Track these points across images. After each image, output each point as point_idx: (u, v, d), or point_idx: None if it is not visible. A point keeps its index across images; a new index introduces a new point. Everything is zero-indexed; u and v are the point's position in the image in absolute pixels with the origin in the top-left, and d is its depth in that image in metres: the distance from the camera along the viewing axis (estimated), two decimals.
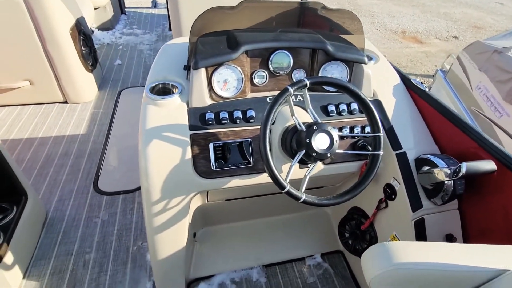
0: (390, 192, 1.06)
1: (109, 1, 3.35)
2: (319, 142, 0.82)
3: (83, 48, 2.17)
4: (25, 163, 1.76)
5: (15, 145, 1.89)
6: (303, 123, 0.86)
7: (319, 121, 0.84)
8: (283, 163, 1.01)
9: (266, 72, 1.11)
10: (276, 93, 1.16)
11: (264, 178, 1.02)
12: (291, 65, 1.12)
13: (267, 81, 1.12)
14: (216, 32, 1.11)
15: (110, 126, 2.13)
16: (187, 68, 1.07)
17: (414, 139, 1.07)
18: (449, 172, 0.86)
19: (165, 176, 0.92)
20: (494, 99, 2.73)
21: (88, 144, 1.96)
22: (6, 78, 2.05)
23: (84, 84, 2.26)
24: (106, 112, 2.26)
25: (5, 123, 2.07)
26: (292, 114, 0.86)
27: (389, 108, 1.13)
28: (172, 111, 0.99)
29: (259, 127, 1.01)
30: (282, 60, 1.10)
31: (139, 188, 1.71)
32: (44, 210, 1.49)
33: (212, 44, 1.05)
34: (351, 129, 1.08)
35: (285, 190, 0.78)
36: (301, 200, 0.79)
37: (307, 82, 0.81)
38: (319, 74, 1.13)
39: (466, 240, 1.02)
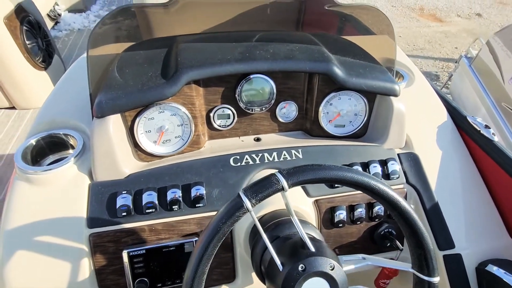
0: None
1: None
2: None
3: (27, 42, 1.73)
4: None
5: None
6: (283, 240, 0.46)
7: (311, 247, 0.44)
8: (249, 268, 0.62)
9: (232, 109, 0.69)
10: (251, 139, 0.74)
11: None
12: (274, 97, 0.69)
13: (234, 122, 0.71)
14: (145, 42, 0.68)
15: None
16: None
17: (475, 230, 0.66)
18: None
19: None
20: None
21: None
22: None
23: (35, 86, 1.85)
24: None
25: None
26: (259, 231, 0.46)
27: (432, 169, 0.70)
28: (61, 193, 0.59)
29: (211, 214, 0.61)
30: (258, 88, 0.68)
31: None
32: None
33: (136, 69, 0.63)
34: (369, 208, 0.67)
35: None
36: None
37: (284, 185, 0.40)
38: (321, 111, 0.71)
39: None
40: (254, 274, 0.64)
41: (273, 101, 0.71)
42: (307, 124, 0.76)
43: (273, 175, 0.43)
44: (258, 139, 0.75)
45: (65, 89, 0.74)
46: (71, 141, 0.66)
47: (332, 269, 0.45)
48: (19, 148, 0.63)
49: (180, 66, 0.61)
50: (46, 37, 1.96)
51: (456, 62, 3.65)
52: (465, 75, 3.27)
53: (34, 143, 0.65)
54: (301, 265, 0.44)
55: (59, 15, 2.76)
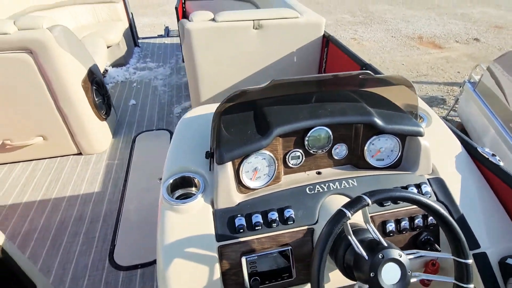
0: None
1: (122, 37, 3.29)
2: (388, 275, 0.63)
3: (96, 98, 2.08)
4: (37, 233, 1.65)
5: (28, 210, 1.78)
6: (361, 241, 0.68)
7: (384, 243, 0.66)
8: (329, 269, 0.83)
9: (301, 151, 0.94)
10: (313, 172, 0.98)
11: None
12: (331, 141, 0.94)
13: (302, 161, 0.95)
14: (240, 106, 0.95)
15: (125, 180, 2.01)
16: (209, 156, 0.92)
17: (494, 233, 0.87)
18: None
19: None
20: None
21: (103, 205, 1.84)
22: (19, 135, 1.98)
23: (98, 134, 2.16)
24: (121, 163, 2.15)
25: (19, 182, 1.98)
26: (349, 234, 0.68)
27: (455, 189, 0.93)
28: (195, 218, 0.83)
29: (300, 229, 0.84)
30: (320, 136, 0.93)
31: None
32: None
33: (237, 128, 0.89)
34: (411, 220, 0.88)
35: None
36: None
37: (369, 201, 0.63)
38: (365, 149, 0.95)
39: None
40: (330, 274, 0.84)
41: (330, 145, 0.96)
42: (355, 160, 1.00)
43: (361, 196, 0.66)
44: (319, 173, 0.99)
45: (179, 145, 1.00)
46: (195, 181, 0.91)
47: (400, 257, 0.66)
48: (164, 186, 0.88)
49: (271, 125, 0.87)
50: (106, 92, 2.31)
51: (460, 87, 3.82)
52: (470, 99, 3.38)
53: (171, 182, 0.90)
54: (380, 254, 0.66)
55: (107, 70, 3.19)
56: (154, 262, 1.54)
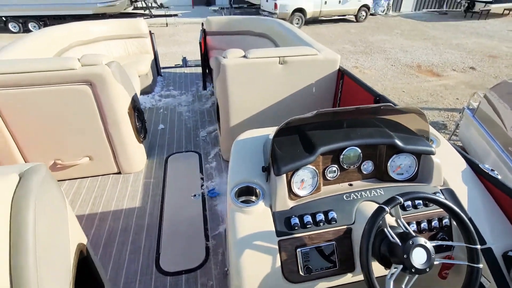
0: None
1: (150, 68, 3.63)
2: (417, 257, 0.84)
3: (137, 123, 2.34)
4: (89, 242, 1.84)
5: (79, 222, 1.98)
6: (395, 233, 0.89)
7: (412, 233, 0.88)
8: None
9: (337, 167, 1.18)
10: (346, 184, 1.21)
11: (349, 278, 1.04)
12: (361, 159, 1.18)
13: (338, 174, 1.18)
14: (288, 129, 1.19)
15: (162, 197, 2.22)
16: (265, 170, 1.15)
17: (497, 232, 1.08)
18: None
19: (257, 286, 0.95)
20: None
21: (145, 219, 2.04)
22: (69, 155, 2.22)
23: (136, 155, 2.40)
24: (157, 182, 2.37)
25: (67, 198, 2.20)
26: (385, 227, 0.90)
27: (463, 197, 1.15)
28: (259, 218, 1.05)
29: (341, 228, 1.06)
30: (352, 155, 1.17)
31: (200, 267, 1.74)
32: None
33: (288, 147, 1.13)
34: (429, 222, 1.10)
35: None
36: None
37: (401, 200, 0.86)
38: (388, 165, 1.19)
39: None
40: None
41: (359, 161, 1.20)
42: (380, 174, 1.23)
43: (395, 196, 0.88)
44: (351, 184, 1.22)
45: (237, 161, 1.24)
46: (256, 190, 1.14)
47: (426, 243, 0.87)
48: (233, 193, 1.11)
49: (316, 145, 1.11)
50: (144, 118, 2.58)
51: (460, 113, 4.05)
52: (470, 124, 3.60)
53: (236, 190, 1.13)
54: (411, 241, 0.87)
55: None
56: (197, 268, 1.72)
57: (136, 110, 2.35)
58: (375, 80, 6.73)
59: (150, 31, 3.87)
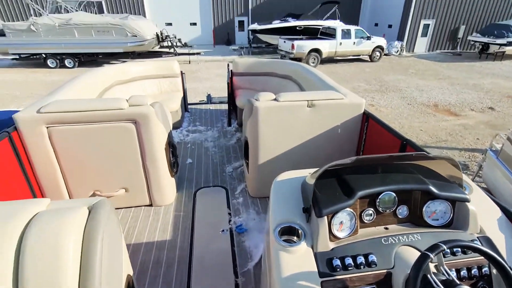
0: None
1: (180, 105, 3.88)
2: None
3: (171, 158, 2.49)
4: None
5: None
6: (438, 280, 0.94)
7: (456, 281, 0.92)
8: None
9: (373, 210, 1.24)
10: (382, 228, 1.26)
11: None
12: (396, 203, 1.25)
13: (374, 218, 1.25)
14: (328, 173, 1.29)
15: (192, 230, 2.30)
16: (305, 211, 1.23)
17: None
18: None
19: None
20: None
21: (175, 251, 2.10)
22: (108, 187, 2.36)
23: (168, 188, 2.52)
24: (186, 215, 2.45)
25: None
26: (429, 273, 0.95)
27: (501, 245, 1.18)
28: (301, 258, 1.11)
29: (381, 271, 1.10)
30: (388, 199, 1.24)
31: None
32: None
33: (328, 190, 1.22)
34: (469, 270, 1.12)
35: None
36: None
37: (445, 247, 0.92)
38: (424, 211, 1.25)
39: None
40: None
41: (395, 206, 1.26)
42: (415, 219, 1.28)
43: (438, 243, 0.94)
44: (386, 228, 1.27)
45: (277, 201, 1.33)
46: (299, 231, 1.21)
47: None
48: (276, 231, 1.18)
49: (354, 190, 1.19)
50: (177, 155, 2.74)
51: (482, 154, 4.04)
52: (494, 166, 3.57)
53: (279, 229, 1.20)
54: None
55: None
56: None
57: (170, 146, 2.51)
58: (391, 118, 6.81)
59: (181, 71, 4.19)
